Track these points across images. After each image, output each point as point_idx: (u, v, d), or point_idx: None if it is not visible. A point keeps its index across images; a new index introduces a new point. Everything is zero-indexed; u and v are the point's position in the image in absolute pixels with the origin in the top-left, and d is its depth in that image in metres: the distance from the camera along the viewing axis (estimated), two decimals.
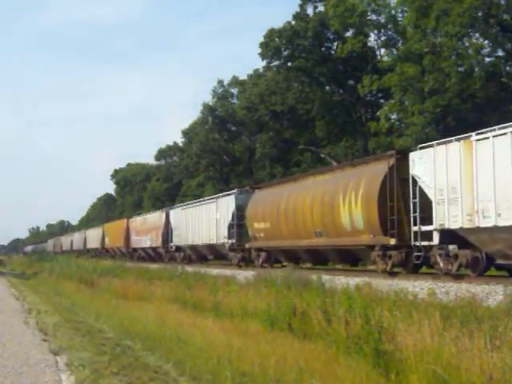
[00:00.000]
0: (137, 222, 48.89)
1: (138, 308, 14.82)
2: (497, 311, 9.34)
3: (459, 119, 32.46)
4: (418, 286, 13.91)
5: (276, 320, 11.00)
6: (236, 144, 58.72)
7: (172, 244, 37.46)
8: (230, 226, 28.45)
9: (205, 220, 31.89)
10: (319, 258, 23.11)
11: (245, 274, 21.20)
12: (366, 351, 7.91)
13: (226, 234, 28.85)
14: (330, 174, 22.33)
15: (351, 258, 21.21)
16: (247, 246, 27.26)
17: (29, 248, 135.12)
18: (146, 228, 44.43)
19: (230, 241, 28.47)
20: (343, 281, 16.26)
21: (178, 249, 36.82)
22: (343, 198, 19.35)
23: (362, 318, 8.95)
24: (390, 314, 9.16)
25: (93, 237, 67.93)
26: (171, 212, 39.05)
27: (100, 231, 63.61)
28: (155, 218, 42.62)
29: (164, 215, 40.21)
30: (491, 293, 12.05)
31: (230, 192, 30.84)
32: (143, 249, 45.89)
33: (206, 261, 34.68)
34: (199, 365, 7.66)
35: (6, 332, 11.00)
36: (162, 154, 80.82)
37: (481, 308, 9.97)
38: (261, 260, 26.03)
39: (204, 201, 34.30)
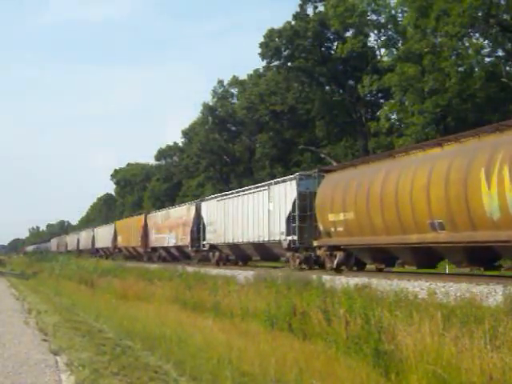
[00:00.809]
0: (157, 217, 43.12)
1: (138, 308, 14.82)
2: (497, 311, 9.33)
3: (459, 119, 32.48)
4: (417, 286, 13.90)
5: (276, 320, 11.00)
6: (236, 144, 58.75)
7: (205, 242, 32.24)
8: (290, 219, 22.97)
9: (251, 212, 26.55)
10: (432, 258, 17.80)
11: (245, 274, 21.19)
12: (365, 351, 7.92)
13: (283, 229, 23.48)
14: (458, 144, 16.10)
15: (489, 257, 15.96)
16: (316, 243, 21.78)
17: (30, 248, 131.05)
18: (169, 224, 39.31)
19: (290, 238, 22.98)
20: (343, 281, 16.25)
21: (213, 248, 31.67)
22: (487, 175, 14.02)
23: (362, 318, 8.95)
24: (390, 314, 9.16)
25: (103, 235, 62.45)
26: (203, 205, 33.67)
27: (111, 229, 57.94)
28: (182, 212, 37.42)
29: (193, 209, 34.99)
30: (491, 293, 12.04)
31: (288, 177, 24.87)
32: (165, 248, 40.65)
33: (246, 262, 30.29)
34: (199, 365, 7.65)
35: (6, 332, 10.99)
36: (161, 154, 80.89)
37: (481, 308, 9.97)
38: (336, 262, 20.62)
39: (250, 190, 28.13)
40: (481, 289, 12.48)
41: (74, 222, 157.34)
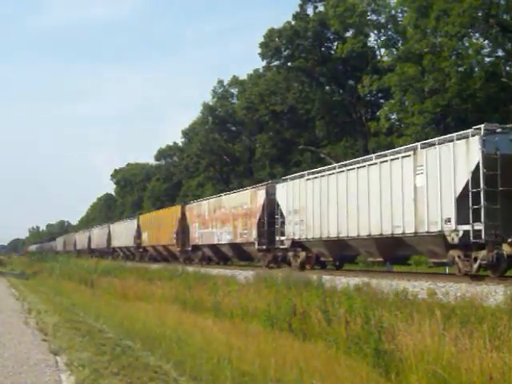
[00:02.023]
0: (202, 208, 33.73)
1: (138, 308, 14.83)
2: (497, 311, 9.33)
3: (459, 119, 32.46)
4: (418, 286, 13.90)
5: (276, 320, 11.00)
6: (236, 144, 58.77)
7: (283, 238, 23.62)
8: (467, 199, 14.54)
9: (376, 192, 18.01)
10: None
11: (245, 274, 21.19)
12: (366, 351, 7.92)
13: (449, 213, 15.09)
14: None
15: None
16: None
17: (33, 247, 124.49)
18: (221, 216, 30.50)
19: (466, 227, 14.57)
20: (343, 281, 16.25)
21: (296, 245, 23.01)
22: None
23: (362, 318, 8.95)
24: (390, 314, 9.17)
25: (121, 233, 52.59)
26: (280, 188, 24.47)
27: (133, 225, 48.41)
28: (242, 199, 28.33)
29: (263, 194, 26.07)
30: (491, 293, 12.04)
31: (459, 133, 15.68)
32: (213, 247, 31.84)
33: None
34: (199, 365, 7.66)
35: (6, 332, 11.00)
36: (161, 153, 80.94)
37: (481, 308, 9.97)
38: None
39: (370, 160, 18.94)
40: (481, 289, 12.48)
41: (74, 222, 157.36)
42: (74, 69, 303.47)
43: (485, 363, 6.46)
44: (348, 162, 21.00)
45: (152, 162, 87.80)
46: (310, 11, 46.43)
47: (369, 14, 42.27)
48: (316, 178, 21.89)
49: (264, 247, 25.75)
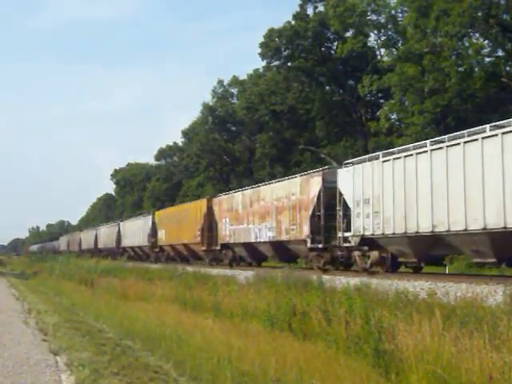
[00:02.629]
0: (234, 201, 29.49)
1: (138, 308, 14.82)
2: (497, 311, 9.33)
3: (459, 119, 32.47)
4: (417, 286, 13.90)
5: (276, 320, 11.00)
6: (236, 144, 58.77)
7: (348, 235, 19.69)
8: None
9: (494, 172, 14.29)
10: None
11: (245, 274, 21.19)
12: (366, 351, 7.92)
13: None
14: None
15: None
16: None
17: (34, 247, 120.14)
18: (259, 209, 26.59)
19: None
20: (343, 281, 16.24)
21: (366, 244, 18.99)
22: None
23: (362, 318, 8.95)
24: (390, 314, 9.17)
25: (133, 231, 48.60)
26: (342, 173, 20.36)
27: (147, 222, 44.18)
28: (289, 189, 24.15)
29: (317, 181, 21.97)
30: (491, 293, 12.04)
31: None
32: (249, 245, 27.85)
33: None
34: (199, 365, 7.66)
35: (6, 332, 10.99)
36: (162, 153, 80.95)
37: (481, 308, 9.97)
38: None
39: (483, 132, 14.85)
40: (481, 289, 12.48)
41: (74, 222, 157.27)
42: (73, 69, 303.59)
43: (485, 363, 6.45)
44: (446, 136, 16.41)
45: (152, 162, 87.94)
46: (310, 11, 46.50)
47: (369, 14, 42.29)
48: (398, 158, 17.63)
49: (319, 246, 21.39)
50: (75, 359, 8.04)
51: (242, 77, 59.79)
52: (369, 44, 44.27)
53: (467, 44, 33.29)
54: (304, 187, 22.94)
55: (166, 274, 23.69)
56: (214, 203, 32.05)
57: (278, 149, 51.89)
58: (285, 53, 45.87)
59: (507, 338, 7.15)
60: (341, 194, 20.24)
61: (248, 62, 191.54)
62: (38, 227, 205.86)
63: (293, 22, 45.63)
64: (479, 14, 31.33)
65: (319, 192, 21.71)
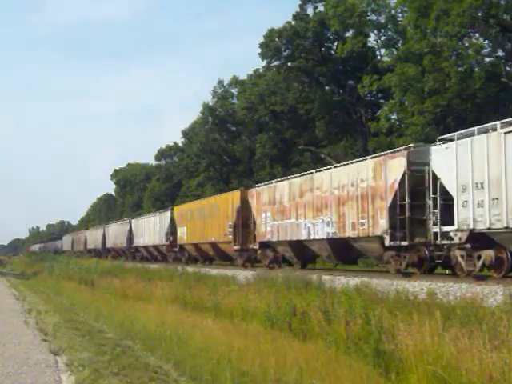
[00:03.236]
0: (278, 191, 24.84)
1: (138, 308, 14.82)
2: (497, 311, 9.34)
3: (459, 119, 32.46)
4: (417, 286, 13.90)
5: (276, 320, 11.00)
6: (236, 144, 58.74)
7: (450, 229, 15.70)
8: None
9: None
10: None
11: (245, 274, 21.19)
12: (366, 351, 7.92)
13: None
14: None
15: None
16: None
17: (35, 247, 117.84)
18: (314, 201, 22.08)
19: None
20: (343, 281, 16.25)
21: (473, 241, 15.06)
22: None
23: (362, 318, 8.95)
24: (390, 314, 9.17)
25: (147, 229, 43.95)
26: (440, 152, 16.42)
27: (165, 219, 39.75)
28: (359, 173, 19.95)
29: (400, 163, 17.87)
30: (491, 293, 12.04)
31: None
32: (297, 244, 23.46)
33: None
34: (199, 365, 7.66)
35: (6, 332, 11.00)
36: (162, 154, 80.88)
37: (481, 308, 9.97)
38: None
39: None
40: (481, 289, 12.48)
41: (75, 222, 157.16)
42: (73, 68, 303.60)
43: (485, 363, 6.46)
44: None
45: (152, 162, 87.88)
46: (310, 11, 46.49)
47: (369, 14, 42.28)
48: None
49: (403, 243, 17.34)
50: (75, 359, 8.05)
51: (242, 77, 59.84)
52: (369, 44, 44.22)
53: (467, 44, 33.26)
54: (379, 171, 18.87)
55: (166, 274, 23.71)
56: (250, 195, 27.46)
57: (278, 149, 51.86)
58: (285, 53, 45.83)
59: (507, 338, 7.15)
60: (436, 178, 16.23)
61: (248, 62, 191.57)
62: (37, 227, 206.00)
63: (293, 22, 45.61)
64: (479, 14, 31.31)
65: (403, 176, 17.50)
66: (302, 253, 23.81)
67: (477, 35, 33.58)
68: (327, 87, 48.13)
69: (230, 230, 28.85)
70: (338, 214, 20.54)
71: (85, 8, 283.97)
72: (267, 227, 25.46)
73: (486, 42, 33.61)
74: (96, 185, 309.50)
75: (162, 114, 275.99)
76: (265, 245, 25.92)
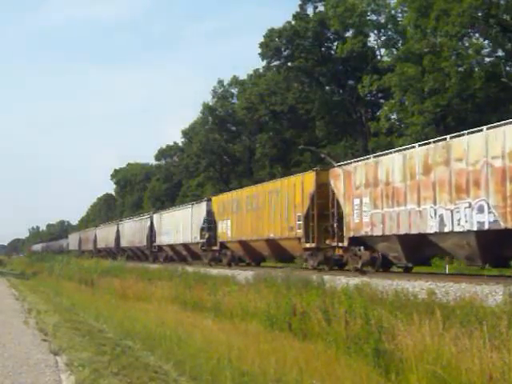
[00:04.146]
0: (383, 167, 18.64)
1: (138, 308, 14.82)
2: (497, 311, 9.34)
3: (459, 119, 32.48)
4: (417, 286, 13.90)
5: (276, 320, 11.00)
6: (236, 144, 58.77)
7: None
8: None
9: None
10: None
11: (244, 274, 21.19)
12: (366, 351, 7.92)
13: None
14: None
15: None
16: None
17: (37, 247, 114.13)
18: (449, 178, 15.96)
19: None
20: (343, 281, 16.25)
21: None
22: None
23: (362, 318, 8.95)
24: (390, 313, 9.17)
25: (174, 224, 37.39)
26: None
27: (199, 212, 33.29)
28: None
29: None
30: (491, 293, 12.04)
31: None
32: (414, 239, 17.40)
33: None
34: (199, 365, 7.66)
35: (6, 332, 11.00)
36: (162, 153, 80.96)
37: (481, 308, 9.97)
38: None
39: None
40: (481, 289, 12.48)
41: (74, 222, 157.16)
42: (73, 68, 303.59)
43: (485, 363, 6.46)
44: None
45: (152, 162, 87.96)
46: (310, 11, 46.53)
47: (369, 14, 42.36)
48: None
49: None
50: (75, 359, 8.05)
51: (242, 77, 59.91)
52: (369, 44, 44.32)
53: (467, 44, 33.30)
54: None
55: (165, 274, 23.71)
56: (333, 176, 21.05)
57: (278, 149, 51.89)
58: (285, 53, 45.89)
59: (507, 337, 7.15)
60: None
61: (248, 62, 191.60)
62: (37, 227, 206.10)
63: (293, 22, 45.66)
64: (479, 14, 31.33)
65: None
66: (419, 251, 18.07)
67: (477, 35, 33.66)
68: (327, 87, 48.18)
69: (299, 222, 22.41)
70: (501, 194, 14.34)
71: (85, 8, 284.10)
72: (363, 218, 19.37)
73: (486, 42, 33.68)
74: (96, 185, 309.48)
75: (162, 114, 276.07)
76: (357, 241, 19.92)
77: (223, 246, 30.36)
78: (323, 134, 47.57)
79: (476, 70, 33.45)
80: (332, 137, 47.26)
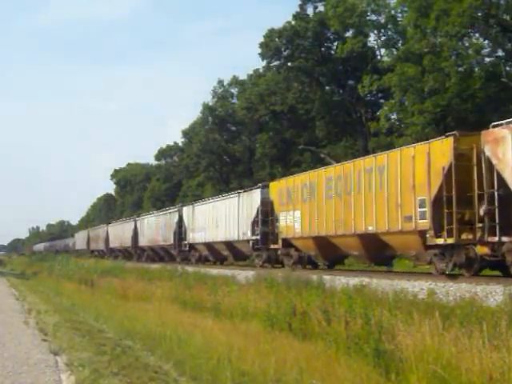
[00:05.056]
0: None
1: (138, 308, 14.82)
2: (497, 311, 9.34)
3: (459, 119, 32.45)
4: (417, 286, 13.90)
5: (276, 320, 11.00)
6: (236, 144, 58.78)
7: None
8: None
9: None
10: None
11: (245, 274, 21.19)
12: (366, 351, 7.92)
13: None
14: None
15: None
16: None
17: (40, 246, 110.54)
18: None
19: None
20: (343, 281, 16.25)
21: None
22: None
23: (362, 318, 8.95)
24: (390, 313, 9.17)
25: (213, 219, 31.45)
26: None
27: (249, 202, 27.39)
28: None
29: None
30: (491, 293, 12.04)
31: None
32: None
33: None
34: (199, 365, 7.66)
35: (6, 332, 11.00)
36: (162, 153, 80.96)
37: (481, 308, 9.98)
38: None
39: None
40: (481, 289, 12.48)
41: (74, 222, 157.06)
42: (73, 68, 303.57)
43: (485, 363, 6.46)
44: None
45: (152, 162, 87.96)
46: (310, 11, 46.53)
47: (369, 14, 42.34)
48: None
49: None
50: (75, 359, 8.05)
51: (242, 77, 59.90)
52: (369, 44, 44.30)
53: (467, 44, 33.28)
54: None
55: (165, 274, 23.71)
56: (490, 139, 14.59)
57: (278, 149, 51.89)
58: (285, 53, 45.88)
59: (507, 337, 7.15)
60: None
61: (248, 62, 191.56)
62: (38, 227, 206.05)
63: (293, 22, 45.65)
64: (479, 14, 31.31)
65: None
66: None
67: (477, 35, 33.63)
68: (327, 87, 48.17)
69: (423, 210, 16.23)
70: None
71: (85, 8, 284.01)
72: None
73: (486, 41, 33.65)
74: (96, 185, 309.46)
75: (162, 114, 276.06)
76: None
77: (287, 243, 23.91)
78: (323, 134, 47.57)
79: (476, 70, 33.43)
80: (332, 137, 47.27)
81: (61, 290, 21.62)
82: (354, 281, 15.73)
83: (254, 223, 26.46)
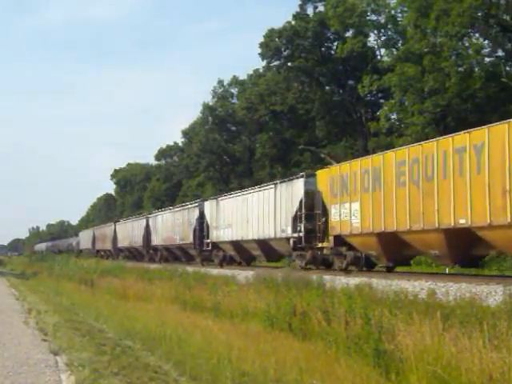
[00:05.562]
0: None
1: (138, 308, 14.82)
2: (497, 311, 9.34)
3: (459, 119, 32.47)
4: (417, 286, 13.90)
5: (276, 320, 11.00)
6: (236, 144, 58.81)
7: None
8: None
9: None
10: None
11: (245, 274, 21.19)
12: (366, 351, 7.92)
13: None
14: None
15: None
16: None
17: (42, 246, 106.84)
18: None
19: None
20: (343, 281, 16.25)
21: None
22: None
23: (362, 318, 8.95)
24: (390, 313, 9.17)
25: (247, 213, 27.05)
26: None
27: (289, 194, 23.47)
28: None
29: None
30: (491, 293, 12.04)
31: None
32: None
33: None
34: (199, 365, 7.66)
35: (6, 332, 10.99)
36: (162, 153, 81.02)
37: (481, 308, 9.97)
38: None
39: None
40: (481, 289, 12.48)
41: (74, 222, 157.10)
42: (73, 68, 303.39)
43: (485, 363, 6.46)
44: None
45: (152, 162, 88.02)
46: (310, 11, 46.57)
47: (369, 14, 42.39)
48: None
49: None
50: (75, 359, 8.04)
51: (242, 77, 59.94)
52: (369, 44, 44.35)
53: (467, 44, 33.29)
54: None
55: (165, 274, 23.70)
56: None
57: (278, 149, 51.91)
58: (285, 53, 45.94)
59: (507, 337, 7.15)
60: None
61: (248, 62, 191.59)
62: (38, 227, 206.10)
63: (293, 22, 45.70)
64: (479, 14, 31.34)
65: None
66: None
67: (477, 35, 33.66)
68: (327, 87, 48.21)
69: None
70: None
71: (84, 8, 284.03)
72: None
73: (486, 41, 33.68)
74: (96, 185, 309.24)
75: (162, 114, 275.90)
76: None
77: (340, 241, 20.30)
78: (323, 134, 47.60)
79: (476, 70, 33.45)
80: (332, 137, 47.29)
81: (61, 290, 21.61)
82: (354, 281, 15.73)
83: (296, 218, 22.55)
